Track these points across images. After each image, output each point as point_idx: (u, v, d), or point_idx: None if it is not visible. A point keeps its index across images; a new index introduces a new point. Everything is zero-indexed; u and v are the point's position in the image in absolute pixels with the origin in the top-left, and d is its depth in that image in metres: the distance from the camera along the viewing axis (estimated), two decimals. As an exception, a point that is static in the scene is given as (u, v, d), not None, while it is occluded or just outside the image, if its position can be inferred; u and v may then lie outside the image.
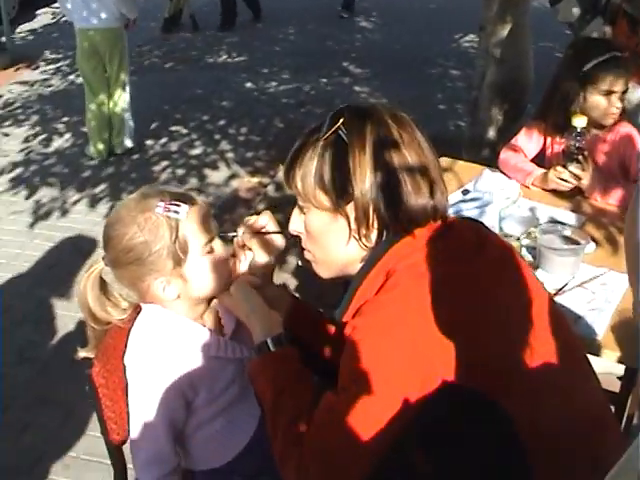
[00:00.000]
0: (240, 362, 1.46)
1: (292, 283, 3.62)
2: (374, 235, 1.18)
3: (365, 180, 1.13)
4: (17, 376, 3.03)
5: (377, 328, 1.09)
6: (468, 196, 2.54)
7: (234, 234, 1.41)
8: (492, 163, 2.91)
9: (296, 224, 1.27)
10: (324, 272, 1.28)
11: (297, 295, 1.71)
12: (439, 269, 1.12)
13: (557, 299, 1.89)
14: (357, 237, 1.18)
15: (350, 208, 1.16)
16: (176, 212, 1.29)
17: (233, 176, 5.05)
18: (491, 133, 4.12)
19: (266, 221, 1.42)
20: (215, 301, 1.44)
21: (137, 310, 1.43)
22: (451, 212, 2.11)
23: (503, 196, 2.49)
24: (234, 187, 4.88)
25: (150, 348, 1.38)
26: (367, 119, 1.16)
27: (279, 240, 1.42)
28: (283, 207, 4.30)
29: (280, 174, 4.82)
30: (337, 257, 1.23)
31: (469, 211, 2.43)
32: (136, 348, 1.39)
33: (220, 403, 1.44)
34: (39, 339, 3.28)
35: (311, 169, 1.18)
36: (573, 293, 1.99)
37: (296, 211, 1.27)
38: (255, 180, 4.97)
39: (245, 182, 4.95)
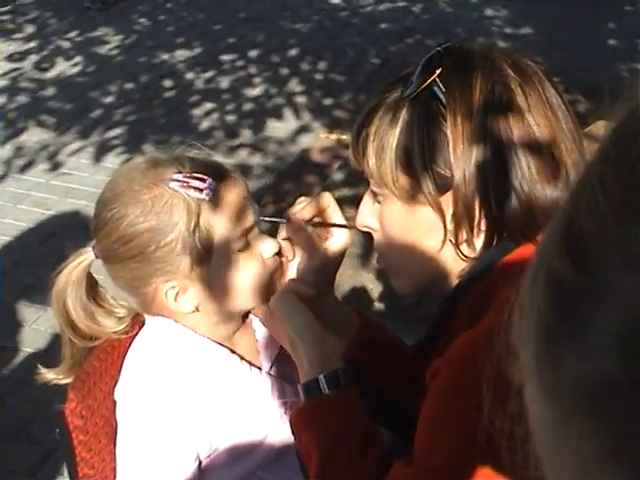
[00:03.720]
0: (281, 407, 1.43)
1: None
2: (480, 241, 1.15)
3: (470, 160, 1.10)
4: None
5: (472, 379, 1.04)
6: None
7: (277, 219, 1.39)
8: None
9: (367, 216, 1.27)
10: (404, 286, 1.29)
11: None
12: None
13: None
14: (454, 242, 1.15)
15: (446, 200, 1.13)
16: (199, 189, 1.27)
17: (303, 130, 5.07)
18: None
19: (325, 206, 1.38)
20: (251, 318, 1.43)
21: (139, 323, 1.42)
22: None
23: None
24: (304, 145, 4.89)
25: (154, 379, 1.36)
26: (476, 70, 1.12)
27: (342, 235, 1.38)
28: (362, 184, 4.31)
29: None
30: (424, 268, 1.23)
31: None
32: (133, 378, 1.38)
33: (246, 464, 1.42)
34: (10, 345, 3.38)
35: (390, 141, 1.15)
36: None
37: (367, 198, 1.27)
38: (334, 137, 4.94)
39: (320, 139, 4.94)
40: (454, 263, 1.19)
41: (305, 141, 4.93)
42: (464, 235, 1.14)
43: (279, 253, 1.39)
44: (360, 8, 7.00)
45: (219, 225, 1.29)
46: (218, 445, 1.37)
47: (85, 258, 1.36)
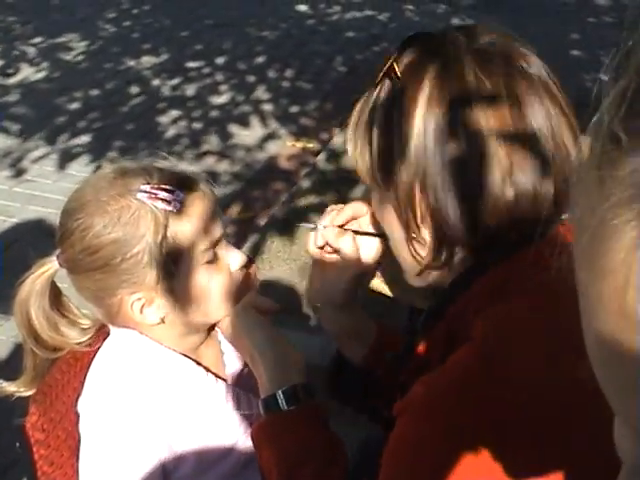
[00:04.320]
0: (247, 420, 1.43)
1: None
2: (439, 245, 1.07)
3: (415, 150, 1.02)
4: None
5: (439, 425, 1.01)
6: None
7: (311, 225, 1.34)
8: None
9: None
10: (410, 279, 1.20)
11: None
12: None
13: None
14: (412, 249, 1.10)
15: (392, 196, 1.08)
16: (166, 201, 1.26)
17: (270, 137, 5.05)
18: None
19: (361, 214, 1.33)
20: (217, 330, 1.42)
21: (103, 334, 1.40)
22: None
23: None
24: (271, 153, 4.87)
25: (118, 391, 1.34)
26: (435, 59, 1.04)
27: (374, 245, 1.33)
28: (338, 186, 4.26)
29: (336, 139, 4.78)
30: (405, 259, 1.15)
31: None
32: (97, 390, 1.36)
33: (213, 476, 1.41)
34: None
35: (361, 129, 1.12)
36: None
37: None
38: (301, 145, 4.94)
39: (287, 147, 4.93)
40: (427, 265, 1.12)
41: (272, 148, 4.92)
42: (413, 235, 1.08)
43: (247, 265, 1.39)
44: (327, 16, 7.02)
45: (186, 237, 1.28)
46: (184, 457, 1.36)
47: (49, 267, 1.34)
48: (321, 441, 1.23)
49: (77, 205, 1.29)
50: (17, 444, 1.46)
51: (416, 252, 1.09)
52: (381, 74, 1.08)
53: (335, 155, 4.58)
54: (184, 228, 1.28)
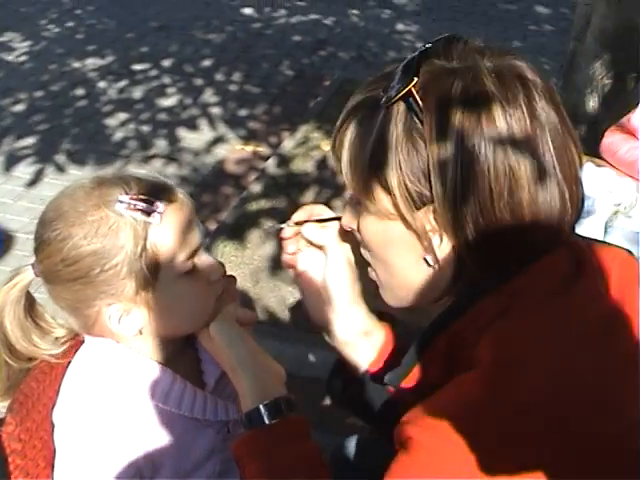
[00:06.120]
0: (223, 426, 1.42)
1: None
2: (453, 266, 1.11)
3: (447, 177, 1.04)
4: None
5: (445, 444, 1.02)
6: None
7: (280, 225, 1.36)
8: (591, 149, 2.84)
9: (351, 219, 1.23)
10: (390, 298, 1.23)
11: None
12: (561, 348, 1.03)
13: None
14: (431, 262, 1.12)
15: (423, 216, 1.09)
16: (146, 212, 1.25)
17: (218, 141, 5.04)
18: (592, 104, 4.06)
19: (321, 210, 1.38)
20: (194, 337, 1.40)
21: (77, 344, 1.39)
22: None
23: (611, 202, 2.44)
24: (219, 157, 4.86)
25: (93, 400, 1.33)
26: (456, 82, 1.05)
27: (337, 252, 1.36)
28: (288, 191, 4.27)
29: (286, 143, 4.78)
30: (404, 282, 1.18)
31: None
32: (72, 399, 1.34)
33: None
34: None
35: (365, 154, 1.10)
36: None
37: (349, 205, 1.24)
38: (250, 148, 4.93)
39: (235, 150, 4.92)
40: (433, 284, 1.15)
41: (220, 152, 4.90)
42: (438, 255, 1.10)
43: (226, 273, 1.38)
44: (273, 20, 7.01)
45: (166, 248, 1.27)
46: (160, 466, 1.35)
47: (24, 277, 1.32)
48: (306, 454, 1.23)
49: (55, 215, 1.27)
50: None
51: (430, 277, 1.13)
52: (396, 98, 1.06)
53: (285, 159, 4.59)
54: (163, 239, 1.27)
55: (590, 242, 1.22)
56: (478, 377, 1.01)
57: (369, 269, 1.24)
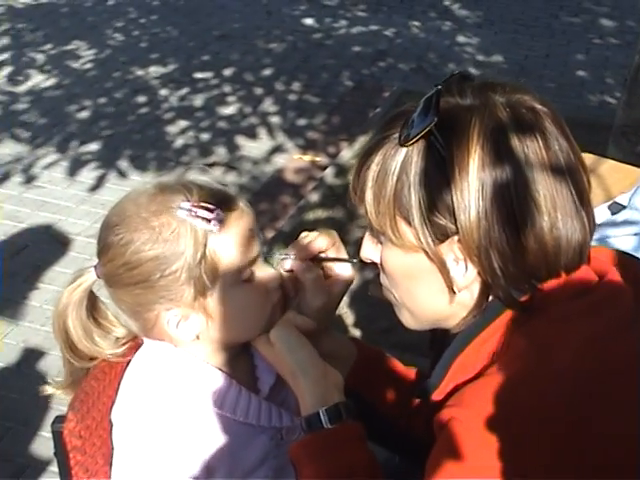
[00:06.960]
0: (276, 433, 1.42)
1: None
2: (479, 289, 1.15)
3: (471, 210, 1.09)
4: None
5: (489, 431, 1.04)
6: (620, 216, 2.44)
7: (283, 256, 1.39)
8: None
9: (370, 251, 1.27)
10: (410, 322, 1.28)
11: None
12: (584, 352, 1.08)
13: None
14: (457, 290, 1.16)
15: (446, 248, 1.13)
16: (206, 219, 1.26)
17: (277, 150, 5.06)
18: (656, 119, 4.01)
19: (327, 243, 1.40)
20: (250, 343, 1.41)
21: (136, 345, 1.41)
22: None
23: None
24: (277, 166, 4.88)
25: (151, 401, 1.35)
26: (474, 118, 1.10)
27: (346, 272, 1.41)
28: (345, 201, 4.28)
29: (344, 153, 4.79)
30: (427, 309, 1.23)
31: (619, 239, 2.33)
32: (130, 399, 1.36)
33: None
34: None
35: (388, 191, 1.14)
36: None
37: (369, 235, 1.26)
38: (308, 158, 4.95)
39: (294, 160, 4.94)
40: (459, 307, 1.19)
41: (279, 161, 4.92)
42: (463, 283, 1.15)
43: (283, 285, 1.39)
44: (333, 30, 7.02)
45: (225, 256, 1.29)
46: (214, 470, 1.35)
47: (86, 279, 1.35)
48: (364, 459, 1.24)
49: (118, 220, 1.30)
50: (53, 450, 1.46)
51: (455, 303, 1.18)
52: (419, 137, 1.10)
53: (343, 170, 4.60)
54: (223, 246, 1.28)
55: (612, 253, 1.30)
56: (517, 356, 1.09)
57: (385, 291, 1.28)
